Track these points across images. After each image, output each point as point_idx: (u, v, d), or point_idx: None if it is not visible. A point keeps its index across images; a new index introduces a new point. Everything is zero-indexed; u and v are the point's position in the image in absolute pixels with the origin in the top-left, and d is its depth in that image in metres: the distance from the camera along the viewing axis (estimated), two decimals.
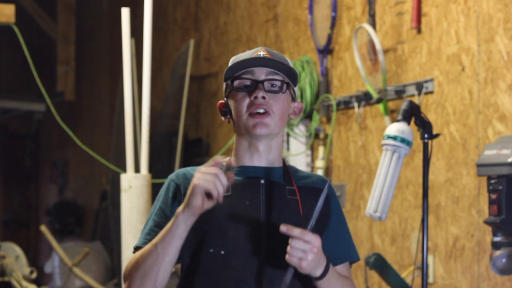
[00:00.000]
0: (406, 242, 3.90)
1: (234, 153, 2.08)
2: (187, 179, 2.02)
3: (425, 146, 3.12)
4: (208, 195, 1.89)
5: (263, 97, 2.01)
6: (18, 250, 5.23)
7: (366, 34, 4.02)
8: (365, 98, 4.15)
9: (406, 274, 3.76)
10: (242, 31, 5.39)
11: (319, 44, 4.47)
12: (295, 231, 1.85)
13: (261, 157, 2.05)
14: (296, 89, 2.11)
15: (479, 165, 2.95)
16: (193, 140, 6.01)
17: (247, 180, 2.02)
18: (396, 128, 3.07)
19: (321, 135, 4.46)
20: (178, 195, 2.03)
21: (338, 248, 2.05)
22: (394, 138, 3.06)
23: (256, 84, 2.02)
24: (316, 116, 4.50)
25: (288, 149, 4.65)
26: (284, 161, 2.10)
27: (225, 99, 2.10)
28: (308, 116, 4.55)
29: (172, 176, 2.08)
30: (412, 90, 3.84)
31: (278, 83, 2.04)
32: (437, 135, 3.14)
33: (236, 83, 2.05)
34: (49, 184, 9.42)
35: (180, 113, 5.63)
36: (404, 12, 3.94)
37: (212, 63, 5.81)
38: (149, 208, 3.77)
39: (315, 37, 4.50)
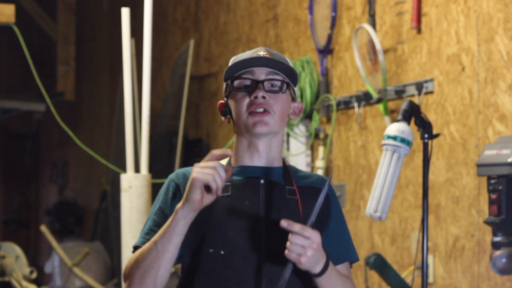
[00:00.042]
0: (406, 242, 3.90)
1: (234, 153, 2.08)
2: (187, 179, 2.01)
3: (425, 146, 3.12)
4: (207, 188, 1.89)
5: (263, 97, 2.01)
6: (18, 250, 5.23)
7: (366, 34, 4.02)
8: (365, 98, 4.15)
9: (406, 274, 3.76)
10: (242, 31, 5.39)
11: (319, 44, 4.47)
12: (295, 227, 1.85)
13: (261, 157, 2.05)
14: (296, 89, 2.11)
15: (479, 165, 2.95)
16: (193, 140, 6.01)
17: (247, 180, 2.02)
18: (396, 128, 3.07)
19: (321, 135, 4.46)
20: (178, 195, 2.02)
21: (338, 248, 2.05)
22: (394, 138, 3.06)
23: (256, 84, 2.02)
24: (316, 116, 4.50)
25: (288, 149, 4.65)
26: (284, 161, 2.10)
27: (225, 99, 2.10)
28: (308, 116, 4.55)
29: (172, 176, 2.08)
30: (412, 90, 3.84)
31: (278, 83, 2.04)
32: (437, 135, 3.14)
33: (236, 83, 2.05)
34: (49, 184, 9.42)
35: (180, 113, 5.63)
36: (404, 12, 3.94)
37: (212, 63, 5.81)
38: (149, 208, 3.77)
39: (315, 37, 4.50)
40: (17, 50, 5.25)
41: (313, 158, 4.56)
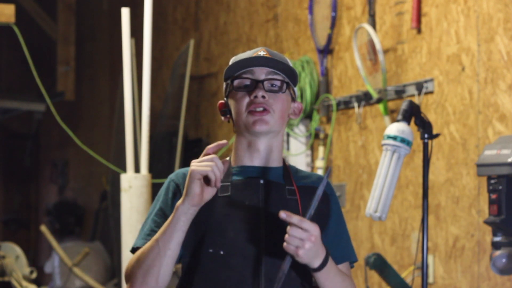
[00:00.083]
0: (406, 242, 3.90)
1: (233, 153, 2.08)
2: None
3: (425, 146, 3.12)
4: (207, 181, 1.89)
5: (263, 96, 2.01)
6: (18, 250, 5.23)
7: (366, 34, 4.02)
8: (365, 98, 4.15)
9: (406, 274, 3.76)
10: (242, 31, 5.39)
11: (319, 44, 4.47)
12: (294, 218, 1.84)
13: (261, 157, 2.05)
14: (296, 89, 2.11)
15: (479, 165, 2.95)
16: (193, 140, 6.01)
17: (247, 180, 2.02)
18: (396, 128, 3.07)
19: (321, 135, 4.46)
20: (178, 195, 2.02)
21: (337, 248, 2.04)
22: (394, 138, 3.06)
23: (256, 84, 2.02)
24: (316, 116, 4.50)
25: (288, 149, 4.65)
26: (284, 161, 2.10)
27: (225, 99, 2.10)
28: (308, 116, 4.55)
29: (172, 176, 2.08)
30: (412, 90, 3.84)
31: (278, 83, 2.04)
32: (437, 135, 3.14)
33: (236, 82, 2.05)
34: (49, 184, 9.43)
35: (180, 113, 5.63)
36: (404, 12, 3.94)
37: (212, 63, 5.81)
38: (149, 208, 3.77)
39: (315, 37, 4.50)
40: (17, 50, 5.25)
41: (313, 158, 4.56)
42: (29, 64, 4.56)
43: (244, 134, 2.05)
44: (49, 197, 9.32)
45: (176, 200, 2.00)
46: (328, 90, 4.46)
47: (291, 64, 2.06)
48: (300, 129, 4.60)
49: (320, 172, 4.38)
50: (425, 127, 3.11)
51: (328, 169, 1.93)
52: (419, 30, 3.84)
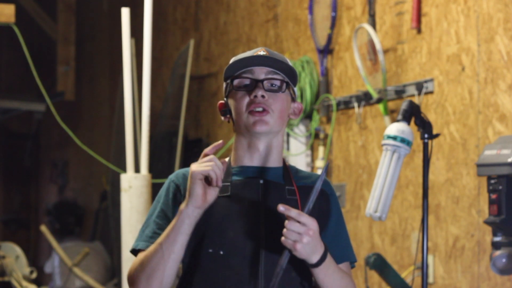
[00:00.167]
0: (406, 242, 3.90)
1: (233, 153, 2.08)
2: (187, 180, 2.00)
3: (425, 146, 3.11)
4: (208, 182, 1.89)
5: (263, 96, 2.00)
6: (18, 250, 5.23)
7: (366, 34, 4.02)
8: (365, 98, 4.15)
9: (406, 274, 3.76)
10: (242, 31, 5.39)
11: (319, 44, 4.46)
12: (292, 212, 1.84)
13: (261, 157, 2.05)
14: (296, 89, 2.11)
15: (479, 165, 2.95)
16: (193, 140, 6.01)
17: (247, 180, 2.02)
18: (396, 128, 3.07)
19: (321, 135, 4.46)
20: (178, 195, 2.02)
21: (337, 248, 2.04)
22: (394, 138, 3.06)
23: (256, 83, 2.02)
24: (316, 116, 4.50)
25: (288, 149, 4.65)
26: (284, 161, 2.10)
27: (225, 99, 2.10)
28: (308, 116, 4.55)
29: (171, 176, 2.08)
30: (412, 90, 3.84)
31: (278, 83, 2.04)
32: (437, 135, 3.14)
33: (236, 82, 2.04)
34: (49, 184, 9.43)
35: (180, 113, 5.63)
36: (404, 12, 3.94)
37: (212, 63, 5.81)
38: (149, 208, 3.77)
39: (315, 37, 4.50)
40: (17, 50, 5.25)
41: (313, 158, 4.56)
42: (29, 64, 4.56)
43: (244, 134, 2.04)
44: (49, 197, 9.32)
45: (177, 200, 2.00)
46: (328, 90, 4.46)
47: (291, 64, 2.06)
48: (300, 129, 4.60)
49: (320, 172, 4.38)
50: (425, 127, 3.11)
51: (326, 164, 1.93)
52: (419, 30, 3.84)
